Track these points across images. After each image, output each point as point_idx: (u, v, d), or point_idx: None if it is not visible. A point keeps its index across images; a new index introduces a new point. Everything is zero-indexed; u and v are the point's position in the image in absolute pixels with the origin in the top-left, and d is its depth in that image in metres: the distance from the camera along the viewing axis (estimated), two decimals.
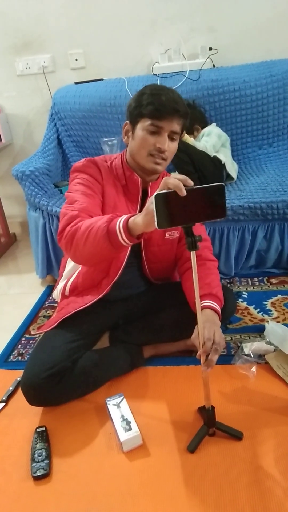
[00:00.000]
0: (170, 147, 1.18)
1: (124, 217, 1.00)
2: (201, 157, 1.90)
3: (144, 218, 0.93)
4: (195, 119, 2.06)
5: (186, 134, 1.96)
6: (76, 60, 2.39)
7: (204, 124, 2.12)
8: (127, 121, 1.23)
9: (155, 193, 0.80)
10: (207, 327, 1.07)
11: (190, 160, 1.85)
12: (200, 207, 0.83)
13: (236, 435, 1.09)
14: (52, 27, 2.32)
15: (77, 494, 1.00)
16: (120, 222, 1.00)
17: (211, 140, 1.99)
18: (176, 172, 1.89)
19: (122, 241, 0.99)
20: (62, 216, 1.17)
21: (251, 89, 2.14)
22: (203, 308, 1.17)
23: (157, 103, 1.12)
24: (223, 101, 2.17)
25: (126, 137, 1.25)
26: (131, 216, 0.99)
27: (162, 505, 0.95)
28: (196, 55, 2.28)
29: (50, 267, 2.05)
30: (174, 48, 2.25)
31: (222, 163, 1.95)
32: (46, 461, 1.06)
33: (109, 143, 2.11)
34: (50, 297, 1.93)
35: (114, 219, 1.02)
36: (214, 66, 2.26)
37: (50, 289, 2.02)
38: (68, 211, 1.15)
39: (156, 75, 2.25)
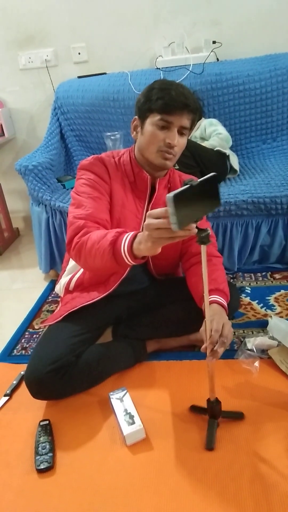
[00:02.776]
0: (180, 142, 1.17)
1: (128, 238, 0.98)
2: (202, 150, 1.89)
3: (145, 246, 0.89)
4: None
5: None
6: (79, 54, 2.38)
7: (200, 117, 2.10)
8: (136, 117, 1.22)
9: (167, 195, 0.77)
10: (216, 319, 1.07)
11: (190, 154, 1.84)
12: (202, 200, 0.83)
13: (237, 416, 1.13)
14: (54, 21, 2.31)
15: (80, 487, 1.00)
16: (124, 245, 0.98)
17: (221, 129, 1.98)
18: (177, 167, 1.87)
19: (128, 262, 0.99)
20: (69, 224, 1.17)
21: (255, 83, 2.12)
22: (210, 303, 1.17)
23: (167, 98, 1.11)
24: (227, 95, 2.16)
25: (134, 132, 1.24)
26: (134, 237, 0.96)
27: (165, 499, 0.95)
28: (199, 48, 2.26)
29: (53, 262, 2.05)
30: (178, 42, 2.23)
31: (227, 154, 1.95)
32: (50, 454, 1.07)
33: (112, 137, 2.10)
34: (53, 292, 1.94)
35: (118, 240, 1.00)
36: (218, 59, 2.24)
37: (53, 283, 2.02)
38: (75, 220, 1.15)
39: (159, 69, 2.23)
